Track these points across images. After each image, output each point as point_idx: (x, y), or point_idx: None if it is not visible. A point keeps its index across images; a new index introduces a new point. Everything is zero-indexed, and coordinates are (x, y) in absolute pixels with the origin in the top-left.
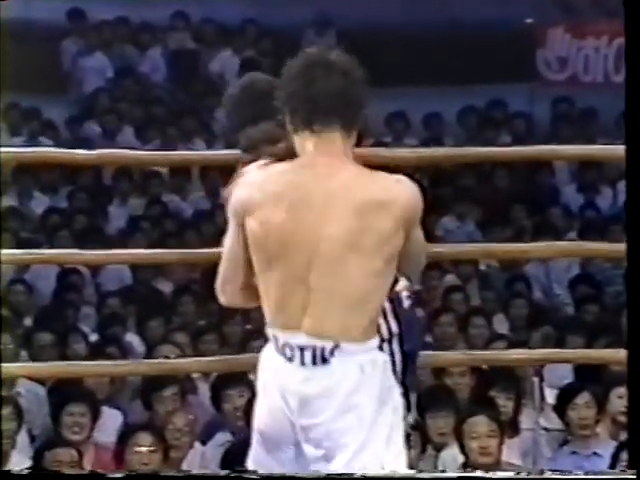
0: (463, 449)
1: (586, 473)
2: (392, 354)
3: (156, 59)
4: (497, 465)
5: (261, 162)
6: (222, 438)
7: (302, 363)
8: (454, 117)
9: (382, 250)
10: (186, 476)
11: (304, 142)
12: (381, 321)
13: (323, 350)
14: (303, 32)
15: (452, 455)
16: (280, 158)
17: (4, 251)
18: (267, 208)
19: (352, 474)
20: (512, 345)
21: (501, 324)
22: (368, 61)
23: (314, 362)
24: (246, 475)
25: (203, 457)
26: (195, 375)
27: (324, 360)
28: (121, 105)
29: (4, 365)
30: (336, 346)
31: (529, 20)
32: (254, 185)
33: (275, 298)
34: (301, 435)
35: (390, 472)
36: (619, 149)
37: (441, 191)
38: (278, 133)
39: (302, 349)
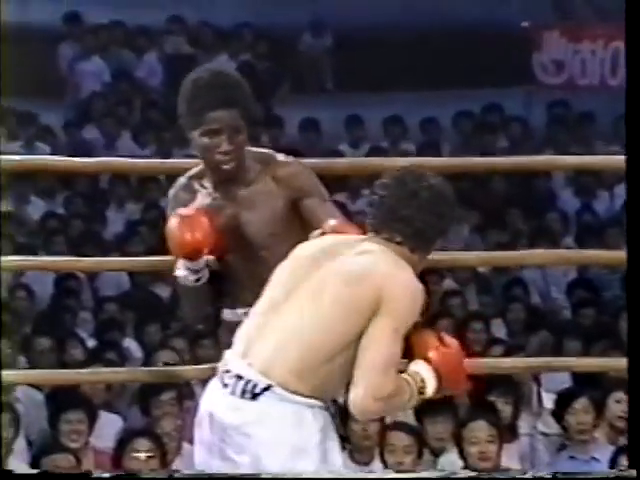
0: (462, 454)
1: (586, 473)
2: None
3: (152, 63)
4: (496, 470)
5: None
6: None
7: (232, 392)
8: (450, 121)
9: (347, 300)
10: (193, 476)
11: None
12: None
13: (255, 386)
14: (299, 35)
15: (451, 460)
16: (237, 149)
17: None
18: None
19: (344, 474)
20: (510, 350)
21: (499, 328)
22: (364, 65)
23: (243, 395)
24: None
25: None
26: (192, 380)
27: (254, 396)
28: (118, 109)
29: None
30: (268, 386)
31: (525, 23)
32: None
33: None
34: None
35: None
36: (617, 159)
37: None
38: (242, 124)
39: (239, 378)
